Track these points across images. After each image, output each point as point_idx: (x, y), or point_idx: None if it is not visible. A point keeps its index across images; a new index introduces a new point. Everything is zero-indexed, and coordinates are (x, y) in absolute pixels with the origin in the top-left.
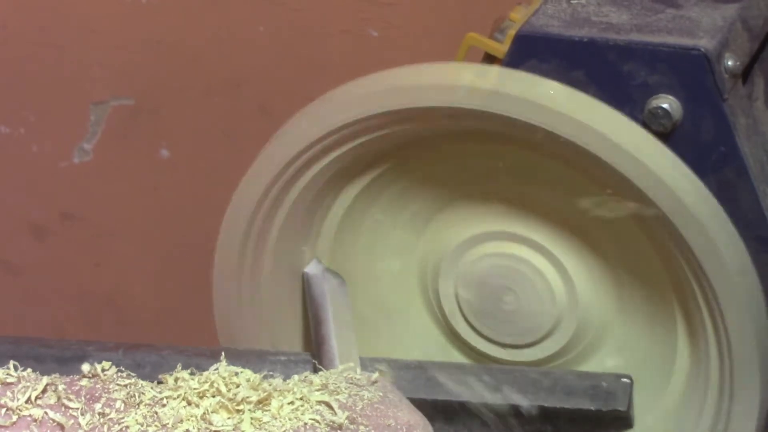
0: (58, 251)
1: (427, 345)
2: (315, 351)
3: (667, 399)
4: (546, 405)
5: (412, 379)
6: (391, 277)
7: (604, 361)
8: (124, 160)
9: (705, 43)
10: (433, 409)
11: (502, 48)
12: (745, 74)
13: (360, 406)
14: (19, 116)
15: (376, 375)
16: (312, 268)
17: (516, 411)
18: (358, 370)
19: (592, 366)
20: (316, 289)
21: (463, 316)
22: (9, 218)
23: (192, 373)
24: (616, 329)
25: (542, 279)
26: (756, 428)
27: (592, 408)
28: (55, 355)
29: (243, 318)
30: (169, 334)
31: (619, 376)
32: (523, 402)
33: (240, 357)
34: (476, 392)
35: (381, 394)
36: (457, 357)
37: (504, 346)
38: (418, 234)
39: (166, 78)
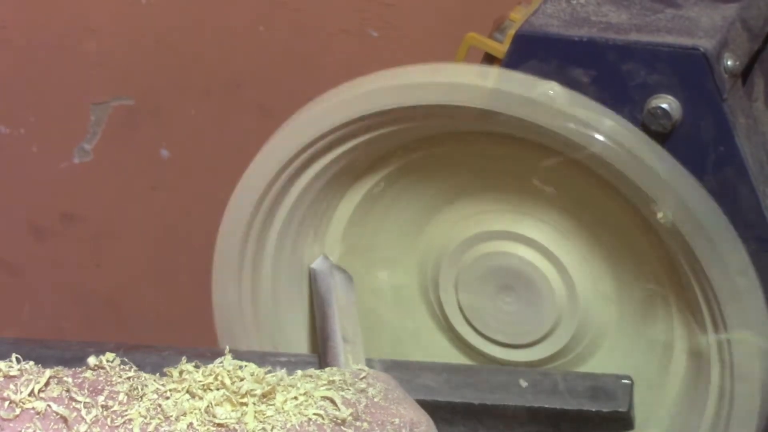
0: (58, 251)
1: (428, 345)
2: (320, 346)
3: (667, 399)
4: (546, 406)
5: (412, 380)
6: (392, 277)
7: (603, 362)
8: (124, 160)
9: (704, 42)
10: (433, 410)
11: (501, 48)
12: (745, 74)
13: (364, 403)
14: (19, 116)
15: (381, 372)
16: (319, 264)
17: (516, 411)
18: (364, 366)
19: (592, 366)
20: (323, 284)
21: (463, 316)
22: (9, 218)
23: (197, 366)
24: (615, 329)
25: (542, 279)
26: (756, 429)
27: (593, 409)
28: (56, 356)
29: (243, 318)
30: (169, 334)
31: (619, 377)
32: (523, 402)
33: (241, 358)
34: (476, 392)
35: (385, 391)
36: (457, 357)
37: (504, 346)
38: (419, 233)
39: (166, 78)
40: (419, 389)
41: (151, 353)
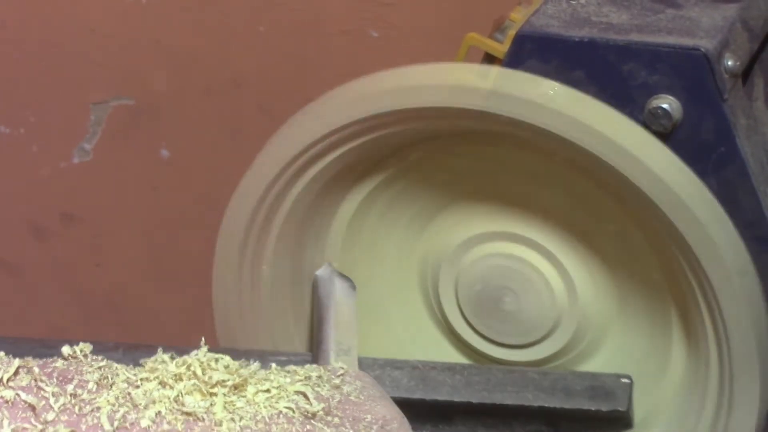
0: (58, 251)
1: (427, 345)
2: (314, 350)
3: (667, 399)
4: (546, 405)
5: (412, 379)
6: (392, 277)
7: (603, 362)
8: (124, 160)
9: (705, 43)
10: (433, 409)
11: (502, 48)
12: (745, 74)
13: (338, 399)
14: (19, 116)
15: (361, 371)
16: (322, 271)
17: (516, 411)
18: (355, 366)
19: (591, 366)
20: (323, 290)
21: (463, 316)
22: (9, 218)
23: (172, 358)
24: (615, 329)
25: (542, 279)
26: (756, 428)
27: (592, 408)
28: (56, 356)
29: (243, 318)
30: (169, 334)
31: (619, 376)
32: (523, 402)
33: (240, 357)
34: (476, 392)
35: (361, 389)
36: (457, 357)
37: (504, 346)
38: (419, 234)
39: (166, 78)
40: (419, 389)
41: (151, 353)
